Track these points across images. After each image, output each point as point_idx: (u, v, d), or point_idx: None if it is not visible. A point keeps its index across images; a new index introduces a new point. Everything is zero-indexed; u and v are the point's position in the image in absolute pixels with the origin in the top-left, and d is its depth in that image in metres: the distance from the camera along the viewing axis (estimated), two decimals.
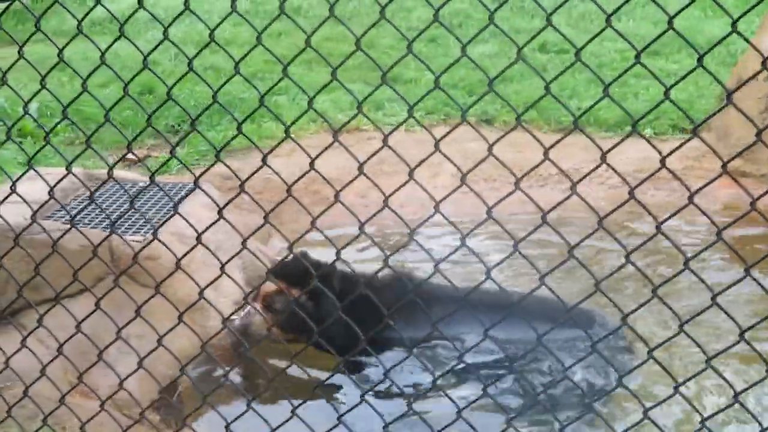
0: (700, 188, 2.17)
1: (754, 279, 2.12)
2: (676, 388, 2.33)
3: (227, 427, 2.83)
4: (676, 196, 6.41)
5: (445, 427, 2.64)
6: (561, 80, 8.85)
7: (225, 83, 2.66)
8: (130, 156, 7.87)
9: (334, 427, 2.83)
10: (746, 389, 2.33)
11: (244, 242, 2.61)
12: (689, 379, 2.50)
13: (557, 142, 2.28)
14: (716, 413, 2.45)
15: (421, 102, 8.37)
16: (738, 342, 2.21)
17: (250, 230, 2.79)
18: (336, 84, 2.47)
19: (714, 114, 2.38)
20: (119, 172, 6.10)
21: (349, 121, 2.86)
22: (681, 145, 2.25)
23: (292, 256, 4.69)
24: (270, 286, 4.96)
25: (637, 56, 2.12)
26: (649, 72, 2.30)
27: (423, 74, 9.29)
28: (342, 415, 2.83)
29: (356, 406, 2.80)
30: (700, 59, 2.05)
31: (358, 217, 2.55)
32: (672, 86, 2.12)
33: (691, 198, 2.11)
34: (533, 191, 6.70)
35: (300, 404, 2.76)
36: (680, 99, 8.32)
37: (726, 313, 2.21)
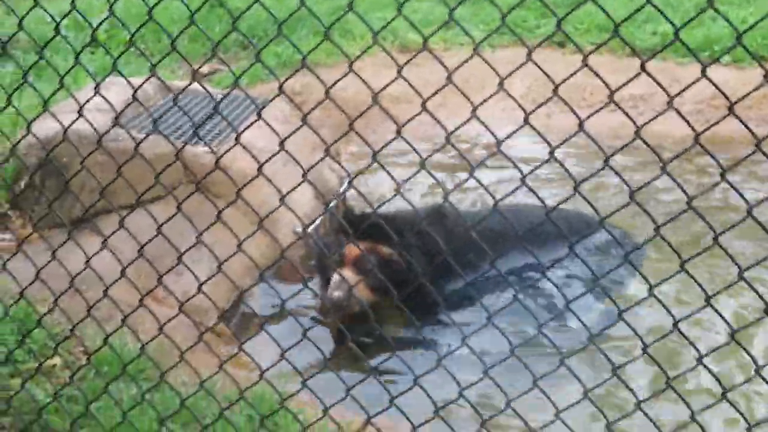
0: None
1: None
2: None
3: (282, 355, 2.90)
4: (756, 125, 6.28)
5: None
6: (634, 5, 8.63)
7: None
8: (201, 69, 7.98)
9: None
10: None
11: (327, 149, 2.63)
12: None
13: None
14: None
15: (494, 20, 8.25)
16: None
17: (318, 145, 2.82)
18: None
19: None
20: (196, 85, 6.16)
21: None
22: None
23: (358, 211, 4.71)
24: (354, 249, 4.80)
25: None
26: None
27: None
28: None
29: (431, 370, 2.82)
30: None
31: (443, 125, 2.55)
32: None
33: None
34: (603, 115, 6.72)
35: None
36: (763, 25, 8.09)
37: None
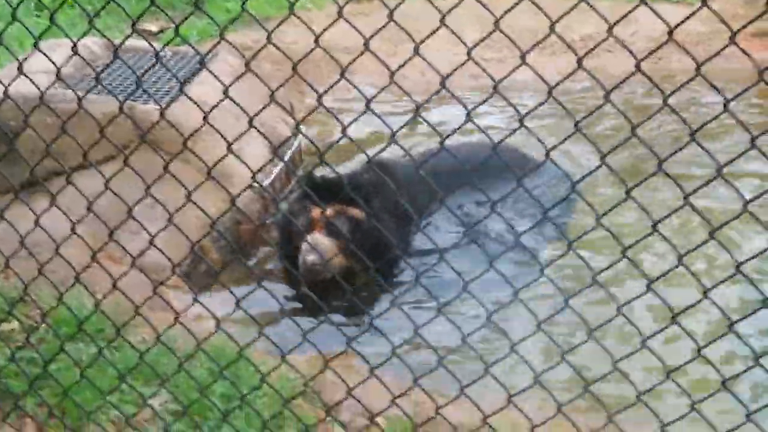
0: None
1: None
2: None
3: (237, 303, 2.89)
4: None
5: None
6: None
7: None
8: (147, 27, 7.85)
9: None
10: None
11: (272, 94, 2.60)
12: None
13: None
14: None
15: None
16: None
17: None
18: None
19: None
20: (137, 42, 6.04)
21: None
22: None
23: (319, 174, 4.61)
24: (324, 212, 4.69)
25: None
26: None
27: None
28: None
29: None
30: None
31: (389, 67, 2.51)
32: None
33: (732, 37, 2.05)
34: (555, 58, 6.73)
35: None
36: None
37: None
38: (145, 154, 3.82)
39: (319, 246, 4.62)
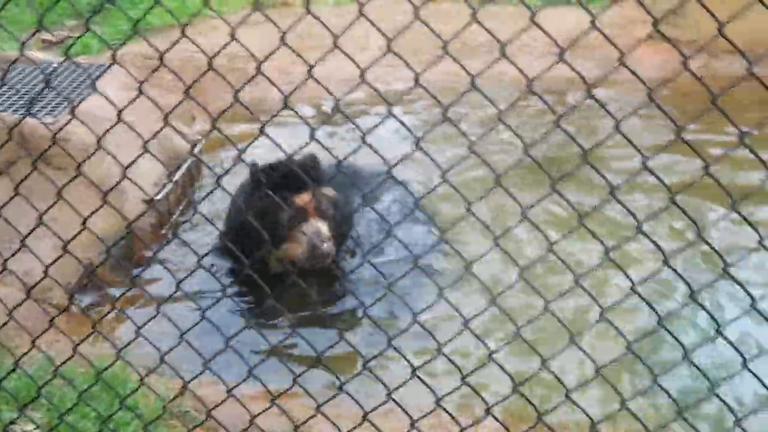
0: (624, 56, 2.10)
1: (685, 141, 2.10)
2: None
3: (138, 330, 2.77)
4: (605, 64, 6.37)
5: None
6: None
7: None
8: (48, 37, 7.62)
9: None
10: None
11: (166, 117, 2.50)
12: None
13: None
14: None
15: None
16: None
17: (167, 111, 2.66)
18: None
19: None
20: (36, 54, 5.86)
21: None
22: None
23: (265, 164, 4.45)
24: (304, 196, 4.39)
25: None
26: None
27: None
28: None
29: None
30: None
31: (281, 90, 2.45)
32: None
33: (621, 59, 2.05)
34: (465, 61, 6.72)
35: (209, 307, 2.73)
36: None
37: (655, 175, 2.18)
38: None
39: (323, 232, 4.39)
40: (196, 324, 2.70)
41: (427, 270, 4.37)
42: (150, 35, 7.28)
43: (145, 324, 2.71)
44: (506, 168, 2.34)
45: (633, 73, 2.09)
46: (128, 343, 2.76)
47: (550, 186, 2.15)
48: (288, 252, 4.43)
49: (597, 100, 2.11)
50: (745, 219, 2.12)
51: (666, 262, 2.17)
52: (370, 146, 2.35)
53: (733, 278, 2.17)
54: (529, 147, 2.17)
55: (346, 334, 3.60)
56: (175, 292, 2.67)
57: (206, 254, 4.42)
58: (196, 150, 5.65)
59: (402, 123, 2.52)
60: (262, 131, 2.42)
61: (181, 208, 5.39)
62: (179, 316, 3.06)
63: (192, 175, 5.70)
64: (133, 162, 2.56)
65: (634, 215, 2.10)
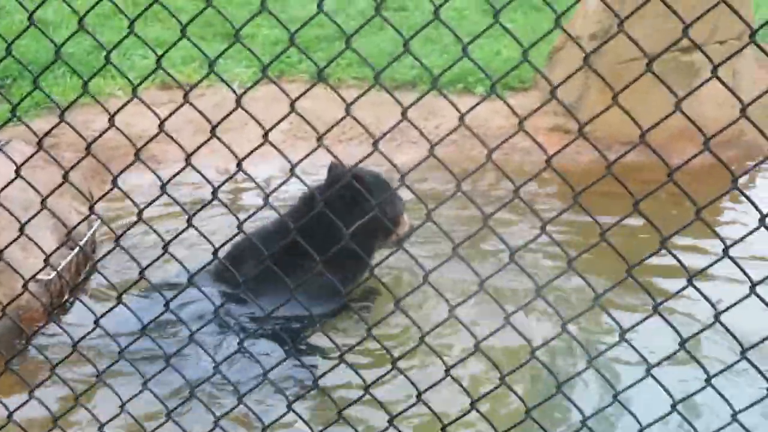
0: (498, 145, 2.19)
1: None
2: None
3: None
4: (510, 151, 6.53)
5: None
6: (397, 38, 8.84)
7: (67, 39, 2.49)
8: None
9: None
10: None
11: (43, 201, 2.49)
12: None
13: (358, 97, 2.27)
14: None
15: (253, 58, 8.22)
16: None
17: (66, 189, 2.65)
18: (167, 40, 2.38)
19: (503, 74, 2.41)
20: None
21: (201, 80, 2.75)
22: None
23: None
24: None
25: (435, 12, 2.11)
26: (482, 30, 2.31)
27: (259, 30, 9.13)
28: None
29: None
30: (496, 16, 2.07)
31: (160, 177, 2.48)
32: (469, 43, 2.14)
33: (489, 155, 2.14)
34: (354, 147, 6.90)
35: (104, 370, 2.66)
36: (513, 57, 8.45)
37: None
38: None
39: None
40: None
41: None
42: (50, 113, 7.23)
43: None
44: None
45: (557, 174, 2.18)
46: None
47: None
48: (401, 231, 5.24)
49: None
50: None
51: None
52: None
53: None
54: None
55: None
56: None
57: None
58: (93, 229, 5.60)
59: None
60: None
61: (76, 284, 5.32)
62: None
63: (87, 253, 5.63)
64: (9, 245, 2.53)
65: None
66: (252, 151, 2.45)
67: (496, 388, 2.50)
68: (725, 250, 2.20)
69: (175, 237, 2.62)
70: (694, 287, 2.26)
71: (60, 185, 2.64)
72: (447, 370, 2.49)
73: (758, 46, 2.13)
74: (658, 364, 2.42)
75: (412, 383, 2.56)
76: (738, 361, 2.38)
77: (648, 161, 2.30)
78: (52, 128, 2.57)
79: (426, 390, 2.52)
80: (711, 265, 2.31)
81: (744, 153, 6.23)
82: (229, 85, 2.55)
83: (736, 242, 2.31)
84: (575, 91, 6.84)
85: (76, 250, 5.12)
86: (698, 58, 6.60)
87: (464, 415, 2.58)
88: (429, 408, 2.56)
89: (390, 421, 2.53)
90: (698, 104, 1.93)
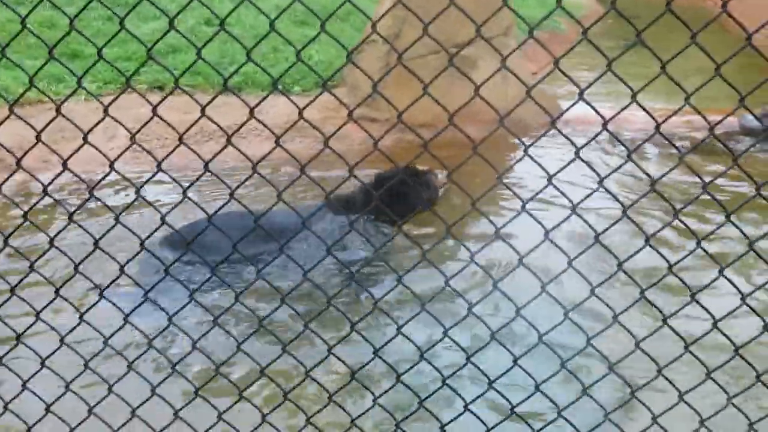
0: (335, 132, 2.20)
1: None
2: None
3: None
4: (318, 143, 6.56)
5: None
6: (222, 49, 8.71)
7: None
8: None
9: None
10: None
11: None
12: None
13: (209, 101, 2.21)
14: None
15: (100, 73, 7.95)
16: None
17: None
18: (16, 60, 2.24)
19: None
20: None
21: (23, 94, 2.57)
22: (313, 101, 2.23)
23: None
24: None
25: (271, 25, 2.09)
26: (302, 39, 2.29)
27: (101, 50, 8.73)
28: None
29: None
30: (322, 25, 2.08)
31: (41, 181, 2.35)
32: (302, 48, 2.13)
33: (326, 142, 2.15)
34: (200, 146, 6.75)
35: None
36: (323, 60, 8.47)
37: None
38: None
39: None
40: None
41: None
42: None
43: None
44: None
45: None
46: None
47: None
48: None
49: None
50: None
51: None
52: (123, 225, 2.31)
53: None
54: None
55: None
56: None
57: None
58: None
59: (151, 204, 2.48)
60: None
61: None
62: None
63: None
64: None
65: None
66: (121, 153, 2.35)
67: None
68: (522, 206, 2.27)
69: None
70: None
71: None
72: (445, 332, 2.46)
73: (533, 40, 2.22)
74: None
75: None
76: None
77: (440, 139, 2.32)
78: None
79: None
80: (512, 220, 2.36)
81: (513, 128, 6.47)
82: (97, 98, 2.42)
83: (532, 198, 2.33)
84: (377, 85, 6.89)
85: None
86: (473, 52, 6.90)
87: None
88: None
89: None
90: (473, 92, 2.02)
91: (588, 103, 2.04)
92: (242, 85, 7.95)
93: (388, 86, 7.18)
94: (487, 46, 2.17)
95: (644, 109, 2.02)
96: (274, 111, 6.72)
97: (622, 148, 6.76)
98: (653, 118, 1.99)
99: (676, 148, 2.24)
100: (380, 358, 2.38)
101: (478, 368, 2.36)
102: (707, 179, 2.01)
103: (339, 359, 2.43)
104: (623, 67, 2.06)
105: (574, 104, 2.06)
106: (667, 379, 2.29)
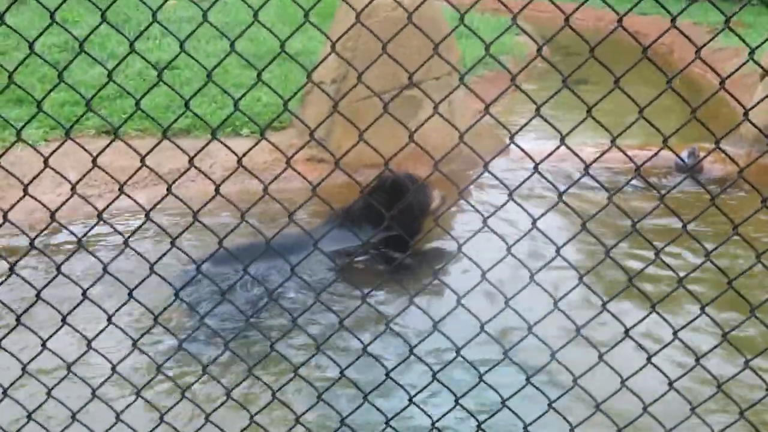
0: (272, 180, 2.20)
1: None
2: None
3: None
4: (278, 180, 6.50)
5: None
6: (172, 94, 8.65)
7: None
8: None
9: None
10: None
11: None
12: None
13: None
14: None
15: (46, 119, 7.80)
16: None
17: None
18: None
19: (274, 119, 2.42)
20: None
21: None
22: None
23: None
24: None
25: (208, 75, 2.09)
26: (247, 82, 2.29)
27: (49, 95, 8.61)
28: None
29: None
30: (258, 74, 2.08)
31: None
32: (241, 97, 2.16)
33: (266, 189, 2.17)
34: (151, 189, 6.68)
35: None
36: (272, 102, 8.45)
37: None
38: None
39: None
40: None
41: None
42: None
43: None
44: None
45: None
46: None
47: None
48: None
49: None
50: None
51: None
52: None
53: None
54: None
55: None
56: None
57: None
58: None
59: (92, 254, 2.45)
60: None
61: None
62: None
63: None
64: None
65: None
66: (62, 204, 2.32)
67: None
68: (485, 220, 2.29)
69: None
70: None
71: None
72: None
73: (465, 85, 2.29)
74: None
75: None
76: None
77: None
78: None
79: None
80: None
81: (464, 166, 6.56)
82: (36, 149, 2.38)
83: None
84: (324, 127, 6.94)
85: None
86: (419, 93, 6.91)
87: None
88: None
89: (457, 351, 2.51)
90: (422, 130, 2.07)
91: (518, 146, 2.28)
92: (191, 128, 7.88)
93: (337, 127, 7.27)
94: (434, 84, 2.21)
95: (570, 149, 2.20)
96: (224, 152, 6.68)
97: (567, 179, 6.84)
98: (581, 159, 2.27)
99: (605, 188, 2.48)
100: (392, 379, 2.52)
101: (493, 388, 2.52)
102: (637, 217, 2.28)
103: (351, 381, 2.60)
104: (572, 104, 2.19)
105: (502, 150, 2.26)
106: (631, 391, 2.44)
